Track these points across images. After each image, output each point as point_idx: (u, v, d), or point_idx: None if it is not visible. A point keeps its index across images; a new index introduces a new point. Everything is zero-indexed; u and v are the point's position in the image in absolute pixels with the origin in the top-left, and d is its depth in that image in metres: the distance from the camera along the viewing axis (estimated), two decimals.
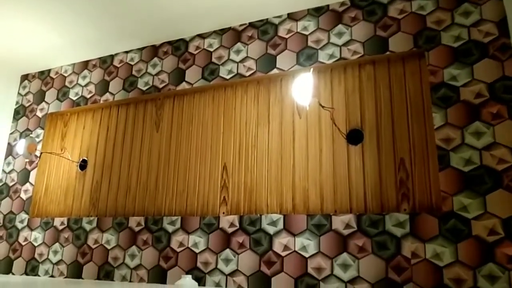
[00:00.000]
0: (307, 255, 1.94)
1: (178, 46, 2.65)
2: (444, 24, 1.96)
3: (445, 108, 1.86)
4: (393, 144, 1.95)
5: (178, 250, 2.24)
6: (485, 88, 1.81)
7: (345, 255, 1.87)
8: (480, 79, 1.83)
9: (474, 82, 1.83)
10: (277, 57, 2.31)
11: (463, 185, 1.75)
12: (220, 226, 2.17)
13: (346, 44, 2.15)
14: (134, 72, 2.75)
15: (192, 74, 2.54)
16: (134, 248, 2.37)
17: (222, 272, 2.09)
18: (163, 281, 2.22)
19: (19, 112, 3.13)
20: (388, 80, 2.04)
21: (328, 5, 2.26)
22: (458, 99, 1.85)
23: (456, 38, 1.92)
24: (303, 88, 1.80)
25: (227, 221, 2.17)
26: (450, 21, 1.95)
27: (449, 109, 1.85)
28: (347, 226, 1.90)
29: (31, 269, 2.64)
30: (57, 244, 2.62)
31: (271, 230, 2.05)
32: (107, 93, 2.80)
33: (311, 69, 2.03)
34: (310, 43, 2.24)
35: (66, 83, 3.00)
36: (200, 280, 2.13)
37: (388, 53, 2.04)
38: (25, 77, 3.21)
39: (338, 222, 1.92)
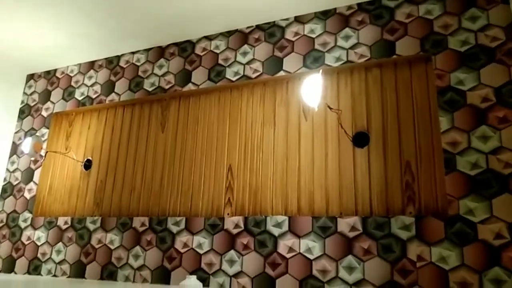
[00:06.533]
0: (312, 257, 1.94)
1: (185, 48, 2.67)
2: (451, 29, 1.98)
3: (452, 112, 1.87)
4: (399, 147, 1.96)
5: (182, 251, 2.25)
6: (492, 92, 1.82)
7: (350, 257, 1.87)
8: (487, 83, 1.84)
9: (481, 86, 1.85)
10: (284, 59, 2.33)
11: (469, 188, 1.75)
12: (225, 227, 2.18)
13: (353, 47, 2.17)
14: (140, 73, 2.77)
15: (198, 76, 2.56)
16: (138, 248, 2.38)
17: (226, 274, 2.10)
18: (167, 282, 2.23)
19: (24, 111, 3.15)
20: (395, 84, 2.06)
21: (335, 9, 2.28)
22: (464, 103, 1.86)
23: (463, 43, 1.94)
24: (311, 89, 1.82)
25: (231, 222, 2.18)
26: (457, 25, 1.97)
27: (455, 113, 1.86)
28: (353, 228, 1.91)
29: (34, 268, 2.65)
30: (60, 243, 2.62)
31: (276, 231, 2.06)
32: (113, 94, 2.82)
33: (320, 70, 2.05)
34: (317, 46, 2.26)
35: (72, 83, 3.02)
36: (204, 281, 2.14)
37: (394, 56, 2.06)
38: (31, 77, 3.24)
39: (344, 225, 1.93)
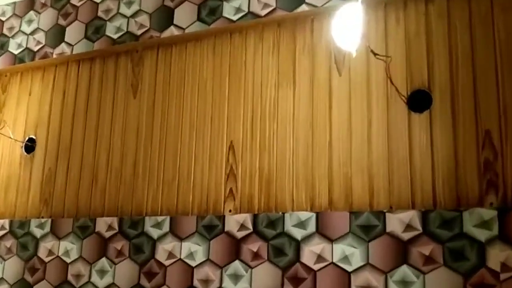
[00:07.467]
0: (350, 269, 1.95)
1: None
2: None
3: None
4: (474, 111, 1.95)
5: (167, 263, 2.28)
6: None
7: (404, 268, 1.88)
8: None
9: None
10: None
11: None
12: (226, 229, 2.20)
13: None
14: (100, 14, 2.78)
15: (184, 15, 2.55)
16: (104, 261, 2.41)
17: None
18: None
19: None
20: (469, 19, 2.03)
21: None
22: None
23: None
24: (347, 27, 1.79)
25: (235, 222, 2.19)
26: None
27: None
28: (408, 227, 1.91)
29: None
30: None
31: (298, 234, 2.07)
32: (63, 44, 2.83)
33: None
34: None
35: (4, 31, 3.04)
36: None
37: None
38: None
39: (395, 222, 1.93)
